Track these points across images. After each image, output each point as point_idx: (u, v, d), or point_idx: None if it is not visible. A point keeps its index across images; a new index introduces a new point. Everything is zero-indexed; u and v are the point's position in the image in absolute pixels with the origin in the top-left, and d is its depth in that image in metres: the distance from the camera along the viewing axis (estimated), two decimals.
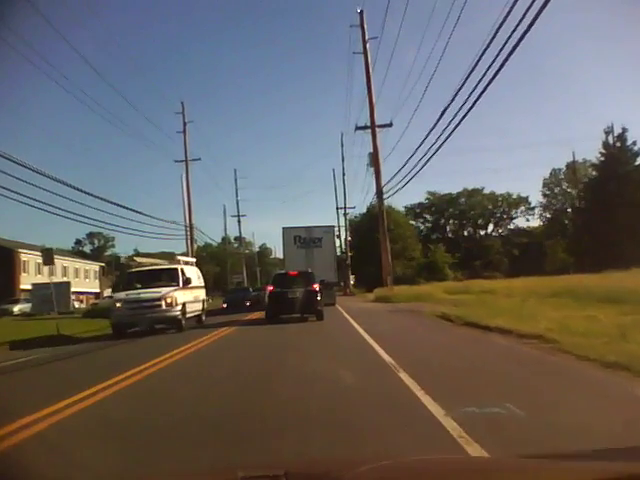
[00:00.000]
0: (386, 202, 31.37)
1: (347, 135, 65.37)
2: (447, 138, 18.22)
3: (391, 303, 24.46)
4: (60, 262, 58.94)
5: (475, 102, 14.80)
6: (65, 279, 49.31)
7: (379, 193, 27.93)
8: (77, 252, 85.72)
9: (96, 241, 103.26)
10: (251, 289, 39.29)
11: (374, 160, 28.24)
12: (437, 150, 19.66)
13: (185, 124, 40.51)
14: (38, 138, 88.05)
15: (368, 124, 28.60)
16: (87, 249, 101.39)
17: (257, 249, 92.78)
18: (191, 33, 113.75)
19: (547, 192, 72.68)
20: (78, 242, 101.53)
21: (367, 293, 39.98)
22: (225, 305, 31.68)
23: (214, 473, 2.73)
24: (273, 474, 2.08)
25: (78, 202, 21.58)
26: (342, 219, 57.59)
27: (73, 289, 58.06)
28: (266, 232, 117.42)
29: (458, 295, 27.16)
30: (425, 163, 21.58)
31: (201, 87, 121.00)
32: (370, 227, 49.35)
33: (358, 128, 29.03)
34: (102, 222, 26.16)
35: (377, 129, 28.21)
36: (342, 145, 54.59)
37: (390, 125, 28.41)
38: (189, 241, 39.03)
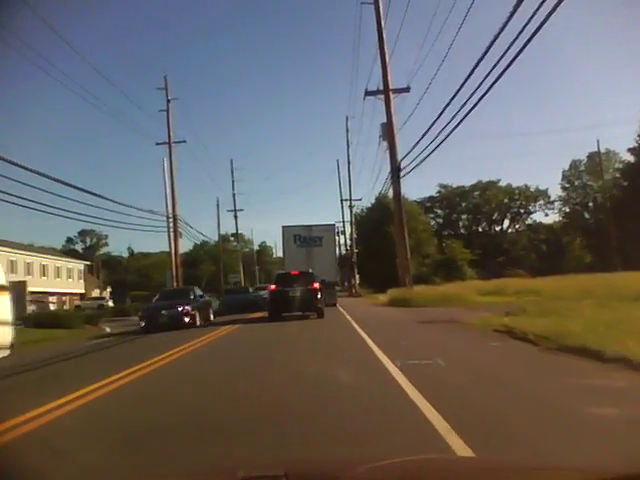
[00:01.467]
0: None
1: (353, 119, 59.21)
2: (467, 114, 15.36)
3: (412, 308, 19.33)
4: (38, 260, 54.34)
5: (494, 83, 13.22)
6: (26, 278, 43.97)
7: (394, 171, 22.67)
8: (68, 251, 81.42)
9: (88, 239, 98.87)
10: (199, 292, 21.78)
11: (388, 132, 23.02)
12: (456, 127, 16.31)
13: (169, 101, 35.88)
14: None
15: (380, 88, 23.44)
16: (79, 247, 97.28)
17: (256, 247, 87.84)
18: (177, 8, 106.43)
19: (567, 185, 67.84)
20: (69, 240, 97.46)
21: (376, 294, 35.35)
22: (143, 323, 18.57)
23: (214, 473, 2.59)
24: (273, 474, 2.06)
25: (56, 194, 18.05)
26: (347, 212, 52.85)
27: (54, 289, 53.40)
28: (266, 229, 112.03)
29: (493, 297, 22.33)
30: (445, 138, 16.98)
31: (190, 69, 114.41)
32: (379, 220, 44.50)
33: (368, 93, 23.66)
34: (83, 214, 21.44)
35: (392, 94, 23.05)
36: (347, 130, 49.62)
37: (407, 90, 23.30)
38: (172, 234, 34.13)
